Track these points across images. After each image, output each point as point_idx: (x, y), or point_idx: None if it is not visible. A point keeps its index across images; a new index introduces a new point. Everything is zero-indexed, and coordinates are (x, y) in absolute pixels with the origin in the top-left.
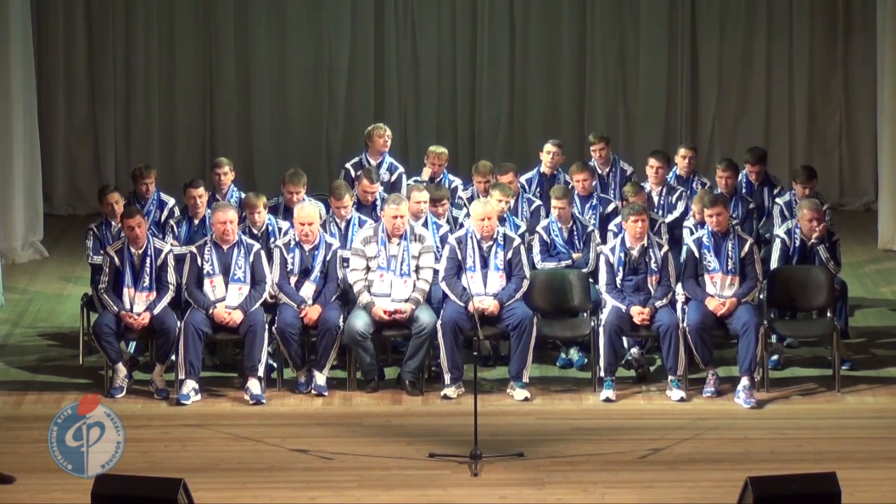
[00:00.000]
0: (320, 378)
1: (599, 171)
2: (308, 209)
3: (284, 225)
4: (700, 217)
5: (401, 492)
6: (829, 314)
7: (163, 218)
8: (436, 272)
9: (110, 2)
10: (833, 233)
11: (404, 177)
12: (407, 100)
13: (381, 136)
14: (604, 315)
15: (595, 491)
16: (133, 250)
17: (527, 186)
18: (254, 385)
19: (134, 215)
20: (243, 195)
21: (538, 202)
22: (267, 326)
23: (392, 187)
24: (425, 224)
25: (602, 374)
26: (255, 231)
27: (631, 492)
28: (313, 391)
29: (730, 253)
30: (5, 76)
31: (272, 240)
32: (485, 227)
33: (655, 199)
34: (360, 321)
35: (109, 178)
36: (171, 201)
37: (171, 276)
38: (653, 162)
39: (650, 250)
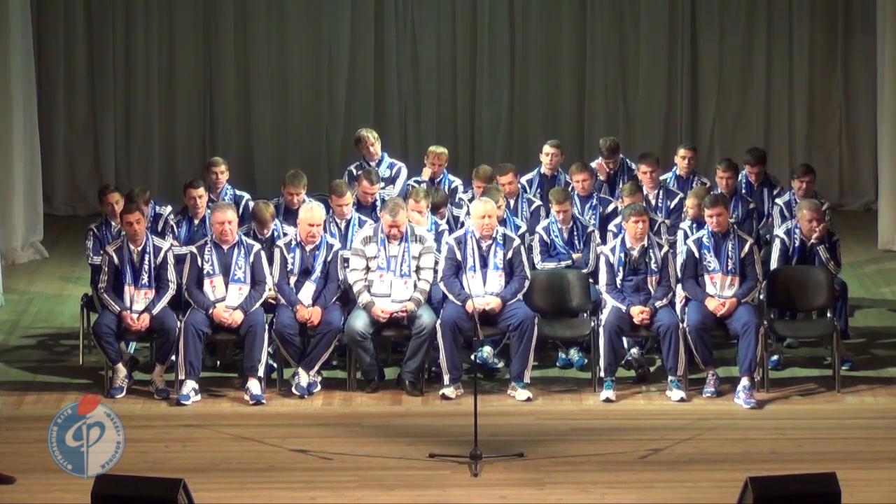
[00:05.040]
0: (304, 378)
1: (611, 171)
2: (316, 210)
3: (289, 229)
4: (694, 213)
5: (401, 492)
6: (829, 314)
7: (160, 227)
8: (436, 272)
9: (110, 2)
10: (833, 233)
11: (404, 169)
12: (407, 100)
13: (364, 143)
14: (604, 315)
15: (595, 491)
16: (132, 248)
17: (527, 187)
18: (254, 385)
19: (133, 211)
20: (237, 193)
21: (538, 202)
22: (267, 327)
23: (392, 182)
24: None
25: (602, 374)
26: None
27: (631, 492)
28: (295, 391)
29: (730, 253)
30: (5, 76)
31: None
32: (485, 226)
33: (653, 201)
34: (359, 321)
35: (109, 178)
36: (166, 210)
37: (171, 274)
38: (644, 168)
39: (650, 250)
